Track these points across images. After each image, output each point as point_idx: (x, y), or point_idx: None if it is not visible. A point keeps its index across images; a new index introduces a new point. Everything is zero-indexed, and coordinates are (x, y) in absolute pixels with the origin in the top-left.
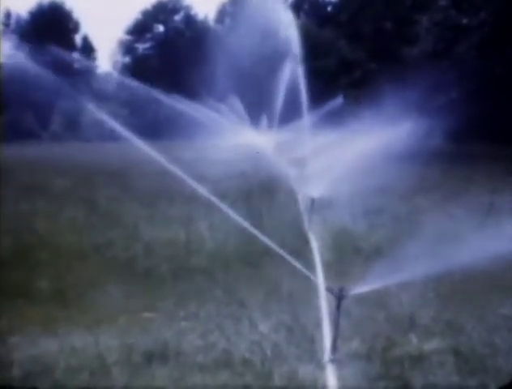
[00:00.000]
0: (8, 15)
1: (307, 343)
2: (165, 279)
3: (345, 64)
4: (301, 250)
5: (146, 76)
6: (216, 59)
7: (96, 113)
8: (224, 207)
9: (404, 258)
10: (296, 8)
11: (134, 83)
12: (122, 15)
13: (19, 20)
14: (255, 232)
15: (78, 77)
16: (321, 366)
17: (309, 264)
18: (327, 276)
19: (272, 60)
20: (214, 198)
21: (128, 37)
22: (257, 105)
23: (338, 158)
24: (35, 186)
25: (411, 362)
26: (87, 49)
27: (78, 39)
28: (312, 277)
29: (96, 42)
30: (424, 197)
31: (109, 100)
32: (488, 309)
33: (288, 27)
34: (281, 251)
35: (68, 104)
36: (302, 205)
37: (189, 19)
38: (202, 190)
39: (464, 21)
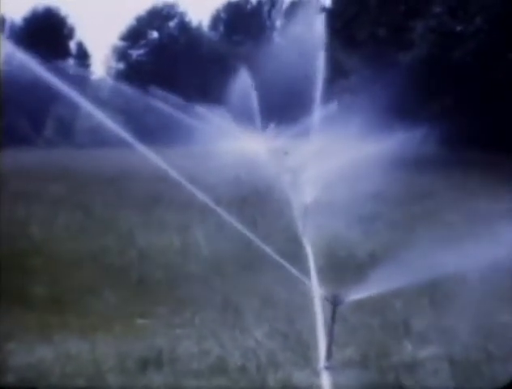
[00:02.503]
0: (2, 21)
1: (302, 349)
2: (160, 285)
3: (340, 70)
4: (296, 256)
5: (140, 82)
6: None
7: (100, 117)
8: (219, 213)
9: (399, 265)
10: (291, 15)
11: (128, 89)
12: (116, 22)
13: (13, 26)
14: (251, 237)
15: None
16: (315, 373)
17: (304, 270)
18: (322, 283)
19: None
20: (209, 204)
21: (122, 43)
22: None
23: (332, 164)
24: (29, 192)
25: (405, 369)
26: (82, 54)
27: (72, 45)
28: (307, 283)
29: (90, 48)
30: (419, 204)
31: (104, 106)
32: (484, 316)
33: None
34: (276, 257)
35: (63, 109)
36: (297, 211)
37: (184, 26)
38: (197, 196)
39: (459, 28)
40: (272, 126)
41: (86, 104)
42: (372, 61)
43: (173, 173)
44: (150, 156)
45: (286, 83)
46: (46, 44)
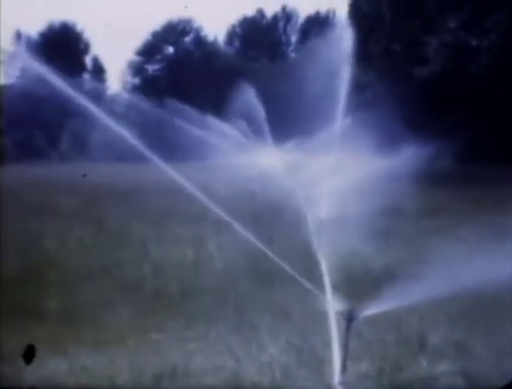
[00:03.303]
0: (18, 36)
1: (317, 364)
2: (174, 299)
3: (355, 85)
4: (311, 270)
5: (156, 97)
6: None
7: (115, 132)
8: (234, 227)
9: (413, 280)
10: (306, 30)
11: (144, 104)
12: (132, 36)
13: (29, 41)
14: (266, 252)
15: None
16: (330, 388)
17: (319, 285)
18: (337, 297)
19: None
20: (224, 218)
21: (138, 58)
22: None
23: (347, 179)
24: (44, 206)
25: (419, 384)
26: (98, 69)
27: (88, 60)
28: (322, 298)
29: (106, 63)
30: (433, 218)
31: (119, 121)
32: (497, 331)
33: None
34: (291, 271)
35: (78, 124)
36: (311, 226)
37: (199, 41)
38: (211, 210)
39: (474, 43)
40: (290, 141)
41: (102, 118)
42: (386, 75)
43: (188, 187)
44: (165, 169)
45: (301, 97)
46: (62, 59)
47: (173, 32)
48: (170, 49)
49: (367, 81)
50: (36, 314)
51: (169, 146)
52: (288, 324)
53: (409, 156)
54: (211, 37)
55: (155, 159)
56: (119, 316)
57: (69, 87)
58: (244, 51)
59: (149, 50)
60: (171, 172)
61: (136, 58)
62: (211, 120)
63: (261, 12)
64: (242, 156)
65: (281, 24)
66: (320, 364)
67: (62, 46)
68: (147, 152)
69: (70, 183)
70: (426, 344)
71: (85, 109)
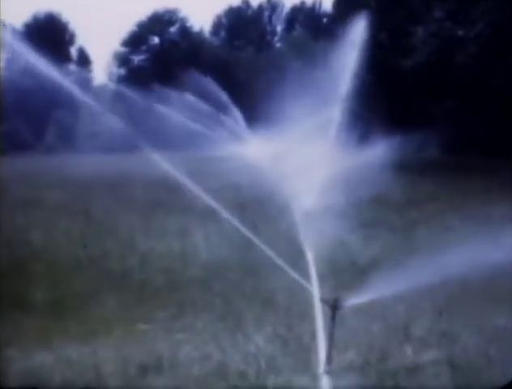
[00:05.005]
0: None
1: (302, 354)
2: (161, 290)
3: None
4: (296, 261)
5: (141, 87)
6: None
7: (102, 122)
8: (220, 217)
9: (399, 269)
10: (292, 20)
11: (130, 95)
12: (118, 27)
13: (14, 32)
14: (252, 242)
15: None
16: (316, 378)
17: (305, 275)
18: (322, 287)
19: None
20: (210, 209)
21: (123, 49)
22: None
23: (333, 169)
24: (30, 198)
25: (405, 373)
26: (83, 60)
27: (73, 51)
28: (307, 288)
29: (92, 54)
30: (420, 208)
31: (105, 112)
32: (483, 319)
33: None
34: (277, 262)
35: (64, 115)
36: (297, 216)
37: (185, 31)
38: (198, 201)
39: (460, 32)
40: (275, 131)
41: (89, 109)
42: (372, 65)
43: (175, 178)
44: (151, 160)
45: (287, 87)
46: (47, 50)
47: (159, 22)
48: (156, 40)
49: (354, 71)
50: (23, 306)
51: (155, 137)
52: (273, 314)
53: (396, 146)
54: (196, 28)
55: (142, 149)
56: (106, 307)
57: (56, 77)
58: (230, 41)
59: (134, 41)
60: (157, 162)
61: (122, 49)
62: (201, 109)
63: (246, 2)
64: (230, 146)
65: (266, 14)
66: (306, 353)
67: (47, 37)
68: (134, 143)
69: (57, 175)
70: (412, 334)
71: (72, 100)
